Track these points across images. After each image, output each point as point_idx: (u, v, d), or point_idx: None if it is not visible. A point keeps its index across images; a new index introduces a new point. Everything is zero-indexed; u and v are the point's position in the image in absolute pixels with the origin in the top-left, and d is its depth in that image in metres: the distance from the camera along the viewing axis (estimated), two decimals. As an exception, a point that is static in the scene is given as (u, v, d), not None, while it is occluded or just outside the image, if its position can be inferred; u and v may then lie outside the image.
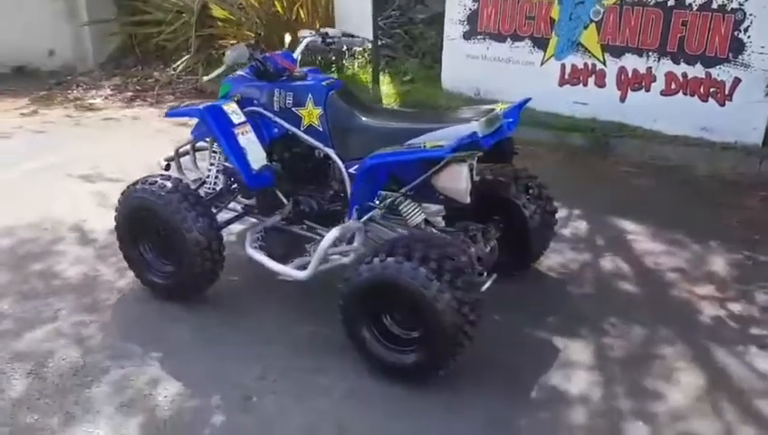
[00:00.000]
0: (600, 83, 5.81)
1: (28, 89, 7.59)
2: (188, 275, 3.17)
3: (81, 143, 5.76)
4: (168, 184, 3.17)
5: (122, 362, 2.91)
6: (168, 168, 3.57)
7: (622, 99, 5.73)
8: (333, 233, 2.95)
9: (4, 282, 3.57)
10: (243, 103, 3.28)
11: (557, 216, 3.55)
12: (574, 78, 5.95)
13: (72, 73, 8.19)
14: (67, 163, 5.23)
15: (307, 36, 3.49)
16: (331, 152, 3.15)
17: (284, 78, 3.26)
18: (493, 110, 2.99)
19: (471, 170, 2.87)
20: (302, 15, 7.59)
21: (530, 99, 3.38)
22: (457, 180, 2.91)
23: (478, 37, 6.40)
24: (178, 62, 7.54)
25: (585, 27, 5.78)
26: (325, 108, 3.12)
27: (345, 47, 3.77)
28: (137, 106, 7.01)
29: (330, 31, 3.53)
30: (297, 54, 3.42)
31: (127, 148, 5.63)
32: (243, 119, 3.17)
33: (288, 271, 3.06)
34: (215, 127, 3.09)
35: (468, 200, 2.92)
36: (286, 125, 3.21)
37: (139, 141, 5.78)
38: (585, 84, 5.90)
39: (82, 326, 3.18)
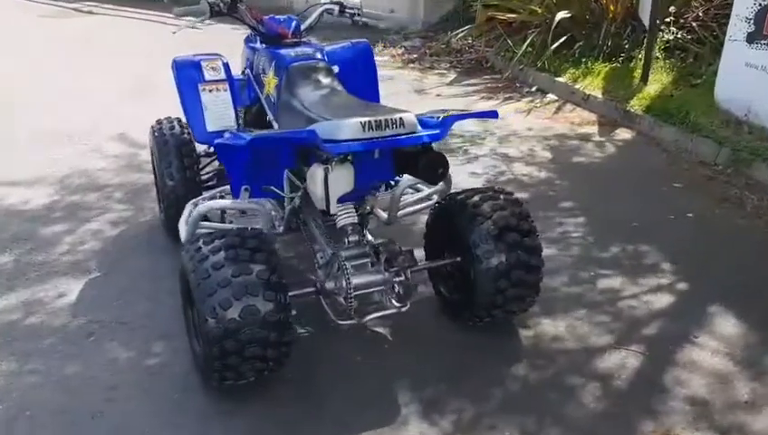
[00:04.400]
0: None
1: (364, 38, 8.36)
2: (167, 219, 3.37)
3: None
4: (166, 127, 3.38)
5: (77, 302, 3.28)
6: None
7: None
8: (200, 207, 2.82)
9: (81, 183, 4.27)
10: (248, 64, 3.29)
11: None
12: None
13: (403, 32, 8.78)
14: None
15: (326, 3, 3.25)
16: (275, 126, 2.96)
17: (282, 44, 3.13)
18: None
19: (327, 174, 2.43)
20: (601, -7, 6.77)
21: (494, 114, 2.66)
22: (311, 182, 2.51)
23: (762, 42, 4.90)
24: (458, 31, 7.48)
25: None
26: (281, 79, 2.93)
27: (367, 21, 3.37)
28: (407, 68, 7.24)
29: (346, 1, 3.22)
30: (310, 22, 3.24)
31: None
32: (219, 77, 3.17)
33: (182, 235, 3.01)
34: (177, 79, 3.16)
35: (324, 207, 2.50)
36: (257, 89, 3.11)
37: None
38: None
39: (96, 253, 3.60)
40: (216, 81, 3.17)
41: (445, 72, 7.15)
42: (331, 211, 2.54)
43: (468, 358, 2.75)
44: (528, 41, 6.77)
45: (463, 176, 4.43)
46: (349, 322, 2.62)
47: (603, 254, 3.53)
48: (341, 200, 2.62)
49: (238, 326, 2.28)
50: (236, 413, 2.44)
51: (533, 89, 6.50)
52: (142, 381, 2.59)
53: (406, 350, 2.80)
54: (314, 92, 2.81)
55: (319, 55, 3.04)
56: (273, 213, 2.94)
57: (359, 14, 3.22)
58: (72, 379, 2.59)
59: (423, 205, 3.17)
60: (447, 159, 2.55)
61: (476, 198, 2.78)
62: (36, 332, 2.85)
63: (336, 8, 3.24)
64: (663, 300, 3.14)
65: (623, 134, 5.32)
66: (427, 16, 8.98)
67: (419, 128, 2.48)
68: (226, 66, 3.23)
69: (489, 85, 6.66)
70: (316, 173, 2.47)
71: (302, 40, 3.20)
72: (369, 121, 2.38)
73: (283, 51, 3.02)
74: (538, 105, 6.08)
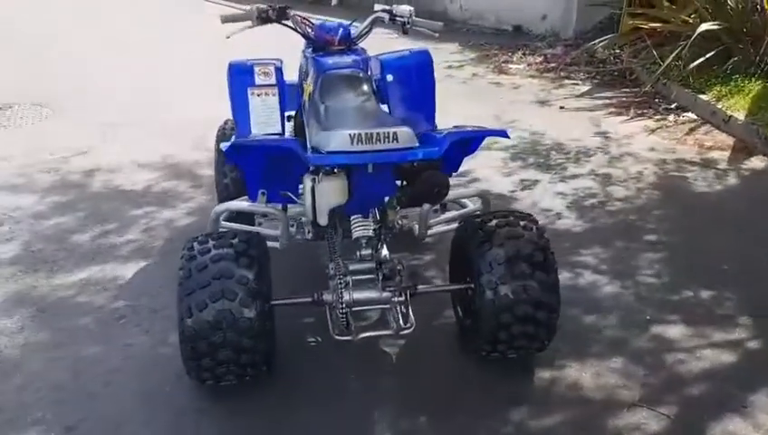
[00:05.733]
0: None
1: (505, 46, 8.10)
2: None
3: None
4: (228, 128, 3.51)
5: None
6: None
7: None
8: (217, 207, 2.88)
9: (180, 172, 4.52)
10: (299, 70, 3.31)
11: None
12: None
13: (547, 39, 8.42)
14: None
15: (378, 11, 3.16)
16: (306, 132, 2.94)
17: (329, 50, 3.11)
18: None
19: (314, 185, 2.38)
20: (768, 4, 6.02)
21: (504, 133, 2.46)
22: (303, 192, 2.48)
23: None
24: (598, 41, 7.00)
25: None
26: (315, 86, 2.91)
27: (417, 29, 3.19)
28: (541, 78, 6.91)
29: (397, 9, 3.09)
30: (361, 30, 3.17)
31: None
32: (269, 82, 3.19)
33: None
34: (230, 82, 3.22)
35: (311, 218, 2.46)
36: (300, 96, 3.12)
37: (464, 106, 5.78)
38: None
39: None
40: (266, 85, 3.20)
41: (580, 82, 6.73)
42: (321, 223, 2.48)
43: (466, 392, 2.58)
44: (675, 53, 6.18)
45: (547, 196, 4.15)
46: (344, 337, 2.55)
47: (671, 297, 3.14)
48: (349, 211, 2.57)
49: (210, 328, 2.30)
50: (209, 413, 2.47)
51: (673, 106, 5.92)
52: (145, 369, 2.70)
53: (404, 374, 2.69)
54: (338, 102, 2.75)
55: (360, 65, 2.98)
56: (303, 219, 2.95)
57: (408, 23, 3.10)
58: (86, 358, 2.75)
59: (456, 224, 3.01)
60: (448, 179, 2.40)
61: (492, 222, 2.59)
62: (78, 309, 3.07)
63: (386, 16, 3.14)
64: (722, 358, 2.73)
65: (756, 163, 4.69)
66: (580, 23, 8.50)
67: (416, 144, 2.36)
68: (279, 71, 3.23)
69: (624, 99, 6.16)
70: (305, 183, 2.44)
71: (354, 48, 3.15)
72: (359, 134, 2.30)
73: (323, 58, 3.00)
74: (669, 124, 5.52)
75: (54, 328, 2.94)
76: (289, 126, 3.31)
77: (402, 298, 2.54)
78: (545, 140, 5.07)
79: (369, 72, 3.08)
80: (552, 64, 7.25)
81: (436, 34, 3.17)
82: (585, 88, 6.58)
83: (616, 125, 5.52)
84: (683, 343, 2.83)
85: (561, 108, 5.97)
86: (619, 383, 2.59)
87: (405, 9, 3.09)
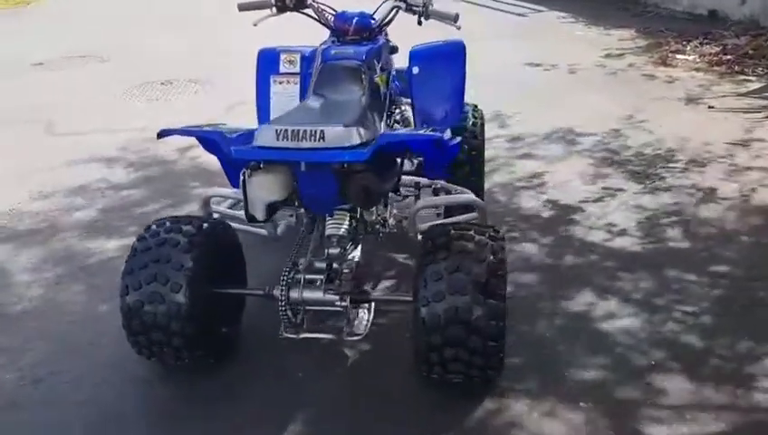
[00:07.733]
0: None
1: (685, 34, 7.23)
2: None
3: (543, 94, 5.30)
4: None
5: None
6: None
7: None
8: (207, 191, 2.97)
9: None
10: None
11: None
12: None
13: (750, 25, 7.40)
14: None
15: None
16: None
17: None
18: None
19: (245, 178, 2.34)
20: None
21: (438, 138, 2.24)
22: None
23: None
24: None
25: None
26: (316, 76, 2.87)
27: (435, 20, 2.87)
28: (707, 71, 6.07)
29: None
30: (381, 19, 3.03)
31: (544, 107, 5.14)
32: (292, 70, 3.19)
33: None
34: (257, 69, 3.25)
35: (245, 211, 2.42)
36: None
37: (590, 99, 5.30)
38: None
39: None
40: (289, 73, 3.20)
41: (753, 78, 5.82)
42: (258, 217, 2.44)
43: (400, 408, 2.45)
44: None
45: (621, 210, 3.71)
46: (290, 335, 2.55)
47: (699, 343, 2.67)
48: (311, 208, 2.59)
49: (142, 309, 2.41)
50: (153, 384, 2.62)
51: None
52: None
53: (349, 381, 2.60)
54: (321, 93, 2.70)
55: (363, 56, 2.86)
56: (301, 210, 2.95)
57: (423, 13, 2.90)
58: (92, 317, 3.00)
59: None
60: (370, 185, 2.26)
61: (449, 233, 2.39)
62: (111, 272, 3.21)
63: (402, 5, 2.97)
64: (712, 427, 2.27)
65: None
66: (787, 9, 7.33)
67: (347, 144, 2.24)
68: (305, 60, 3.21)
69: (798, 101, 5.24)
70: (240, 177, 2.41)
71: (374, 37, 3.03)
72: (285, 130, 2.24)
73: (328, 48, 2.94)
74: (836, 134, 4.60)
75: (85, 285, 3.26)
76: None
77: (346, 303, 2.46)
78: (661, 144, 4.50)
79: (380, 64, 2.97)
80: (728, 57, 6.35)
81: (456, 24, 2.94)
82: (756, 85, 5.70)
83: None
84: (676, 399, 2.40)
85: (710, 107, 5.23)
86: (567, 432, 2.28)
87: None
